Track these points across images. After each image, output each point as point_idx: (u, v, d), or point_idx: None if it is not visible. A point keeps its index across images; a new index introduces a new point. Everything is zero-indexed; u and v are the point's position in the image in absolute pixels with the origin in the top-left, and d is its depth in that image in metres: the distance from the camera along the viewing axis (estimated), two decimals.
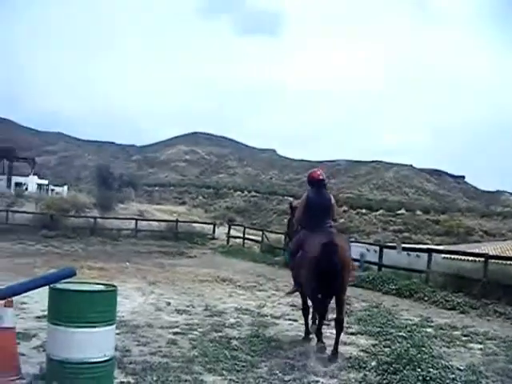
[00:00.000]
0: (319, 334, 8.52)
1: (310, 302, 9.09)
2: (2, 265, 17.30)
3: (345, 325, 10.02)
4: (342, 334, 8.65)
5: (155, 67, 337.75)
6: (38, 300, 9.88)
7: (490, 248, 24.19)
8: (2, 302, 6.07)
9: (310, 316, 9.40)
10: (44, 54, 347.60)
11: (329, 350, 8.24)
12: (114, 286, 6.42)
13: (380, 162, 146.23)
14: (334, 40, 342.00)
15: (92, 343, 5.74)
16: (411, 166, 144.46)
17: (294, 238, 9.48)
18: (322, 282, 8.04)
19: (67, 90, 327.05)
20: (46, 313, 7.39)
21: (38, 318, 9.39)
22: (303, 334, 9.35)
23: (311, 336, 9.04)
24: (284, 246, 13.37)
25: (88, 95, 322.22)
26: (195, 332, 9.21)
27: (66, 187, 59.60)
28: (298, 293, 9.68)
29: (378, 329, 10.01)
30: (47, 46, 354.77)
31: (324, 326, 8.73)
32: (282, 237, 23.11)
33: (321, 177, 9.12)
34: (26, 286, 6.28)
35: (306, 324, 9.44)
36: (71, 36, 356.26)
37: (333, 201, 9.17)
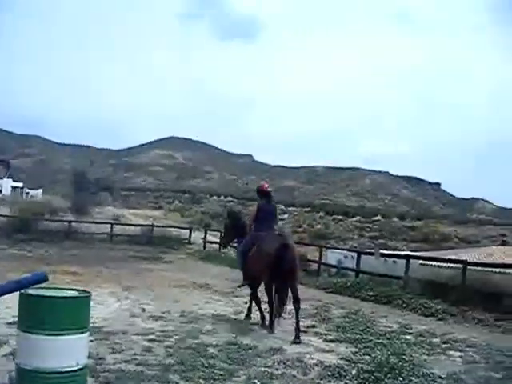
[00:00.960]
0: (272, 323, 10.32)
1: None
2: None
3: (323, 332, 10.03)
4: (321, 340, 9.14)
5: (133, 70, 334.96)
6: (11, 305, 9.62)
7: (467, 255, 24.15)
8: None
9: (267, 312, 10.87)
10: (23, 53, 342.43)
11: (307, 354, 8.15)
12: (87, 291, 6.20)
13: (357, 168, 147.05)
14: (311, 48, 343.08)
15: (64, 351, 5.50)
16: (388, 172, 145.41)
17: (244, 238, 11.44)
18: (278, 273, 9.84)
19: (45, 92, 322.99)
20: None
21: (9, 324, 9.10)
22: (261, 320, 11.02)
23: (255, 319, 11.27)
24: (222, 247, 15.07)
25: (66, 97, 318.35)
26: (171, 339, 8.98)
27: (41, 190, 58.87)
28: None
29: (358, 336, 9.88)
30: (28, 42, 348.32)
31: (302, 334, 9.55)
32: None
33: (268, 189, 11.47)
34: None
35: (260, 309, 11.23)
36: (55, 32, 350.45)
37: (277, 209, 11.66)
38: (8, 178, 58.07)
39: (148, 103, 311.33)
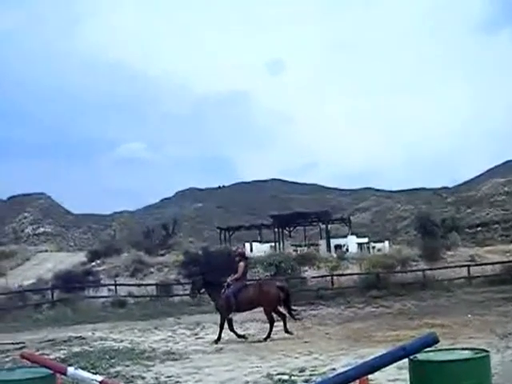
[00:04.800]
0: None
1: None
2: (338, 332, 17.05)
3: None
4: None
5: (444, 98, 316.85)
6: (385, 368, 9.02)
7: None
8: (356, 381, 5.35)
9: None
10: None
11: None
12: (484, 350, 5.33)
13: None
14: None
15: None
16: None
17: None
18: None
19: (367, 145, 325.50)
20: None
21: None
22: None
23: None
24: None
25: (390, 145, 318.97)
26: None
27: (386, 243, 59.21)
28: None
29: None
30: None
31: None
32: None
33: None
34: (382, 360, 5.44)
35: None
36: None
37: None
38: (351, 235, 59.38)
39: (470, 131, 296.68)
